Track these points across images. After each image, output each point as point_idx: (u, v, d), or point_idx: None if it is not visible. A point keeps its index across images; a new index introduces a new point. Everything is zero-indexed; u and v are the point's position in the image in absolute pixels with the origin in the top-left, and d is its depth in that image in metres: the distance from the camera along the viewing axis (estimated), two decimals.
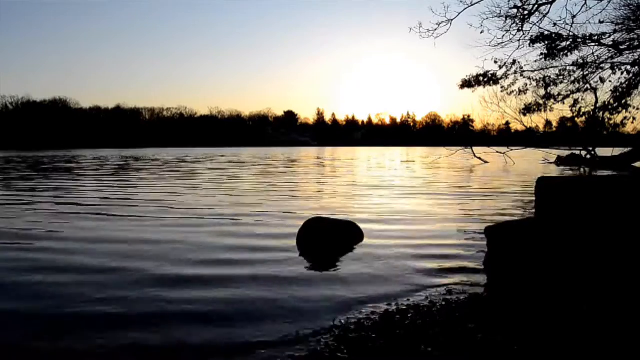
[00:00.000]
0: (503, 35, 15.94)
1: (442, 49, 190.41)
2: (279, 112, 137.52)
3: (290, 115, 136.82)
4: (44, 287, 3.78)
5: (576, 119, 17.76)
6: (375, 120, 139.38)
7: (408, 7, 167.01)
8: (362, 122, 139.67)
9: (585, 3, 14.98)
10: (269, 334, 2.82)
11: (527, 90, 17.80)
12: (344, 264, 4.55)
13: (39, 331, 2.93)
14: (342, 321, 2.99)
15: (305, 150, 74.16)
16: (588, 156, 18.74)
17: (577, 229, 3.54)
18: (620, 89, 16.38)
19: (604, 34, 15.87)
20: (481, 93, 33.03)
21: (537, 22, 15.62)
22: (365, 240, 5.48)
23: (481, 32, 16.38)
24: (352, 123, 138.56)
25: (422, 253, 4.86)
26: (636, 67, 16.03)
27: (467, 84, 18.62)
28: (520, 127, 20.01)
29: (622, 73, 16.18)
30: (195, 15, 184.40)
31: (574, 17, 15.33)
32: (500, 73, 17.58)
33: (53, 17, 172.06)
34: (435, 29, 16.07)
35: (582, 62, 16.54)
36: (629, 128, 17.79)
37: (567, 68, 16.95)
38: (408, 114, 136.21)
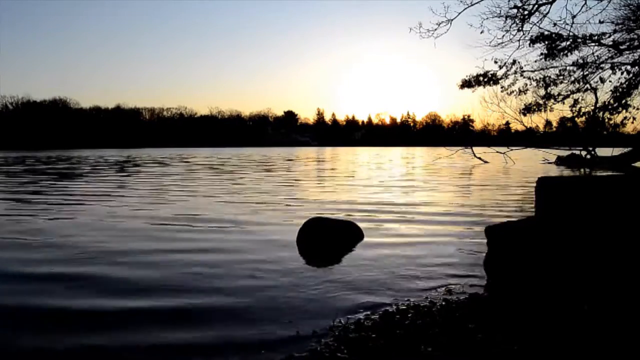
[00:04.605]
0: (503, 35, 16.00)
1: (442, 49, 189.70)
2: (279, 112, 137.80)
3: (290, 115, 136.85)
4: None
5: (576, 119, 17.78)
6: (375, 120, 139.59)
7: (408, 7, 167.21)
8: (362, 122, 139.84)
9: (585, 3, 15.03)
10: (268, 334, 2.81)
11: (527, 90, 17.85)
12: (344, 263, 4.55)
13: None
14: (342, 321, 2.99)
15: (305, 150, 74.12)
16: (588, 156, 18.73)
17: (577, 229, 3.54)
18: (620, 89, 16.39)
19: (604, 34, 15.90)
20: (481, 93, 33.09)
21: (537, 22, 15.67)
22: (365, 240, 5.48)
23: (481, 32, 16.47)
24: (352, 123, 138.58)
25: (422, 253, 4.86)
26: (636, 67, 16.04)
27: (467, 84, 18.65)
28: (520, 127, 20.06)
29: (622, 73, 16.21)
30: (195, 15, 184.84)
31: (574, 17, 15.38)
32: (500, 73, 17.63)
33: (53, 17, 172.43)
34: (435, 29, 16.14)
35: (582, 62, 16.58)
36: (629, 128, 17.83)
37: (567, 68, 16.98)
38: (408, 114, 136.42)
